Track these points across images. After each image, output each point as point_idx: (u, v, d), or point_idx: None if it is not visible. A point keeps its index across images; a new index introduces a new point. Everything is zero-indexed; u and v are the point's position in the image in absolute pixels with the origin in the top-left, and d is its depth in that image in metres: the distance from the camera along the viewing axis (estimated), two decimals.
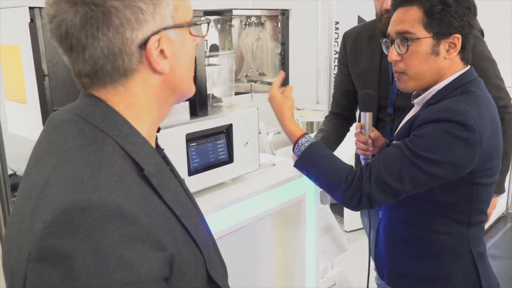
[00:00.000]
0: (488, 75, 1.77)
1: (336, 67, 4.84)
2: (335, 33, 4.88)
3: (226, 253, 1.52)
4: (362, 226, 3.86)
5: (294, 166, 1.53)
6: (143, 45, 0.74)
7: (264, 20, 1.99)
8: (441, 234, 1.38)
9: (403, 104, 1.87)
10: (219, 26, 1.97)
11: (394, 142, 1.39)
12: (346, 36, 2.06)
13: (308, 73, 5.48)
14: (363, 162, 1.59)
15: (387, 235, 1.51)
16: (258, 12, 1.82)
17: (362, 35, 1.99)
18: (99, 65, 0.73)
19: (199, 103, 1.58)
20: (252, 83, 2.08)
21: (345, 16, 4.58)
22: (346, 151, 2.28)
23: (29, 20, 1.21)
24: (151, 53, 0.75)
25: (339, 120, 2.11)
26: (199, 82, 1.55)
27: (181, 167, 1.53)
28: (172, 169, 0.94)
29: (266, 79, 2.09)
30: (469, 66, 1.37)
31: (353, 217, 3.84)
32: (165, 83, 0.81)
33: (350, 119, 2.14)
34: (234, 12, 1.71)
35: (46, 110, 1.31)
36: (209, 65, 1.66)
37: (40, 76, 1.24)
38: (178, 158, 1.52)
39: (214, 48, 1.67)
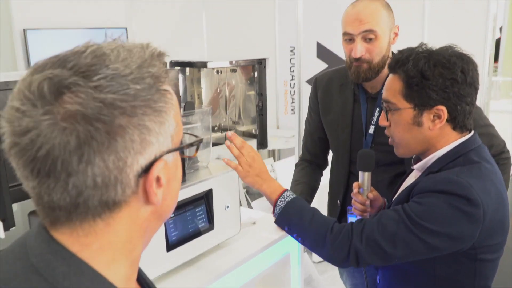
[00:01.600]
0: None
1: (294, 93, 4.77)
2: (293, 58, 4.85)
3: None
4: None
5: (275, 222, 1.46)
6: (144, 171, 0.59)
7: (236, 66, 1.87)
8: None
9: (377, 158, 1.79)
10: (187, 73, 1.83)
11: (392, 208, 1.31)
12: (317, 81, 1.97)
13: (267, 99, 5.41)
14: None
15: None
16: (234, 64, 1.70)
17: (333, 81, 1.89)
18: (83, 197, 0.56)
19: None
20: (226, 132, 1.95)
21: (304, 42, 4.53)
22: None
23: None
24: (150, 183, 0.60)
25: (312, 168, 2.02)
26: None
27: (159, 243, 1.38)
28: None
29: (240, 127, 1.97)
30: (472, 133, 1.30)
31: None
32: (153, 214, 0.66)
33: (323, 166, 2.05)
34: (209, 65, 1.58)
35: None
36: (184, 124, 1.52)
37: None
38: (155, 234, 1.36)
39: (189, 106, 1.53)
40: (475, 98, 1.27)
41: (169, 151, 0.62)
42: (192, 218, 1.48)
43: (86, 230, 0.59)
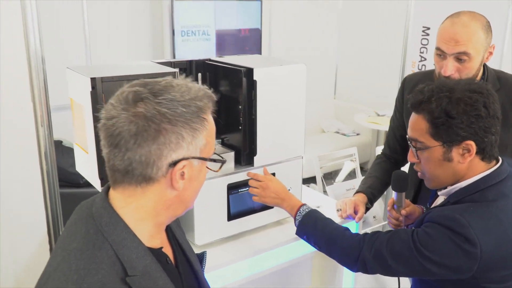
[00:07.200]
0: None
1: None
2: (425, 39, 4.70)
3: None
4: None
5: (296, 233, 1.59)
6: (173, 164, 0.88)
7: None
8: None
9: None
10: None
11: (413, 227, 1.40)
12: (405, 82, 2.00)
13: (390, 76, 5.34)
14: None
15: None
16: None
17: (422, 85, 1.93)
18: (132, 166, 0.87)
19: (246, 154, 1.68)
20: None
21: (436, 22, 4.36)
22: None
23: (90, 89, 1.37)
24: (175, 173, 0.89)
25: (389, 163, 2.08)
26: (249, 133, 1.65)
27: (221, 213, 1.67)
28: (176, 255, 1.04)
29: None
30: (498, 164, 1.34)
31: None
32: (177, 197, 0.94)
33: (401, 162, 2.11)
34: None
35: (102, 164, 1.48)
36: None
37: (99, 139, 1.40)
38: (218, 204, 1.65)
39: None
40: (499, 127, 1.31)
41: (194, 157, 0.91)
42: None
43: (131, 191, 0.90)
